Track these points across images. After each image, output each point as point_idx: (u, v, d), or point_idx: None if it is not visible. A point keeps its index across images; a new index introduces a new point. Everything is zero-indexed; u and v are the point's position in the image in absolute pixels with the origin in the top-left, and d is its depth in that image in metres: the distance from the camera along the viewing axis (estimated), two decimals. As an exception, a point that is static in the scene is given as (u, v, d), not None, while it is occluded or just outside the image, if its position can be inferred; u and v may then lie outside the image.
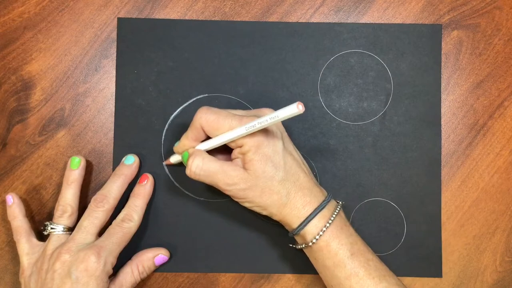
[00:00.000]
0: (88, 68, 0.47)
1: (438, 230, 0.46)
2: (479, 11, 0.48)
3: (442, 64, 0.47)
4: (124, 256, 0.44)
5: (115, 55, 0.47)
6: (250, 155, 0.38)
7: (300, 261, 0.46)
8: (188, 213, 0.46)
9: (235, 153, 0.40)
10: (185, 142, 0.41)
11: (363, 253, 0.39)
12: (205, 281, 0.46)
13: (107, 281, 0.40)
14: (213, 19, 0.47)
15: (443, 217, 0.47)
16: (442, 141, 0.47)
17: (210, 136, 0.40)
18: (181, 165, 0.44)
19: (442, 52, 0.47)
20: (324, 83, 0.47)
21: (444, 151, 0.47)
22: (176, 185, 0.46)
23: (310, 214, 0.39)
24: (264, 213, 0.40)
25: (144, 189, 0.44)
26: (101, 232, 0.42)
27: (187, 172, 0.40)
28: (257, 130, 0.37)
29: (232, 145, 0.39)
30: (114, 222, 0.42)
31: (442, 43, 0.47)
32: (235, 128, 0.38)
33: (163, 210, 0.46)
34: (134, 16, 0.47)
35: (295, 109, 0.35)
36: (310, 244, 0.39)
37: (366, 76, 0.47)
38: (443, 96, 0.47)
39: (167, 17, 0.47)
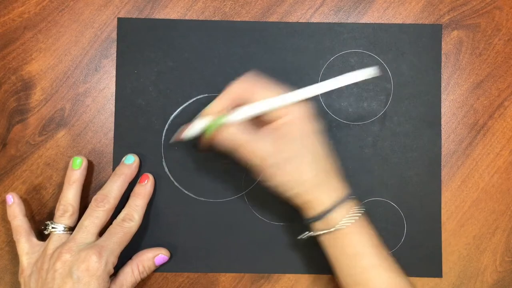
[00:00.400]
0: (88, 68, 0.47)
1: (438, 230, 0.46)
2: (479, 11, 0.48)
3: (442, 64, 0.47)
4: (125, 256, 0.44)
5: (115, 55, 0.47)
6: (287, 128, 0.37)
7: (300, 261, 0.46)
8: (188, 213, 0.46)
9: (269, 127, 0.39)
10: (218, 104, 0.39)
11: (384, 248, 0.39)
12: (205, 281, 0.46)
13: (108, 280, 0.40)
14: (213, 19, 0.47)
15: (443, 217, 0.47)
16: (442, 141, 0.47)
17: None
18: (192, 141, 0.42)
19: (442, 52, 0.47)
20: (324, 83, 0.47)
21: (444, 151, 0.47)
22: (176, 185, 0.46)
23: (342, 199, 0.39)
24: (289, 193, 0.39)
25: (145, 189, 0.44)
26: (102, 232, 0.42)
27: (220, 137, 0.38)
28: (326, 90, 0.37)
29: (270, 117, 0.38)
30: (114, 222, 0.42)
31: (442, 43, 0.47)
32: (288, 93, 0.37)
33: (163, 210, 0.46)
34: (134, 16, 0.47)
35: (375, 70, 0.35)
36: (333, 229, 0.38)
37: (366, 76, 0.47)
38: (443, 96, 0.47)
39: (167, 17, 0.47)
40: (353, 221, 0.38)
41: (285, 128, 0.38)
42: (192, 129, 0.40)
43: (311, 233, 0.41)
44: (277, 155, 0.38)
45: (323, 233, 0.40)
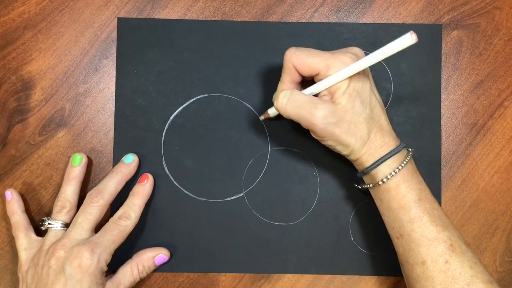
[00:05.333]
0: (88, 68, 0.47)
1: (438, 230, 0.46)
2: (479, 11, 0.48)
3: (442, 64, 0.47)
4: (125, 256, 0.44)
5: (115, 55, 0.47)
6: (343, 89, 0.38)
7: (300, 261, 0.46)
8: (188, 213, 0.46)
9: (328, 90, 0.40)
10: (281, 86, 0.41)
11: (430, 201, 0.39)
12: (205, 281, 0.46)
13: (102, 277, 0.40)
14: (213, 19, 0.47)
15: (443, 217, 0.47)
16: (442, 141, 0.47)
17: (303, 74, 0.40)
18: (279, 118, 0.45)
19: (442, 52, 0.47)
20: (324, 83, 0.47)
21: (444, 151, 0.47)
22: (176, 185, 0.46)
23: (386, 154, 0.39)
24: (345, 152, 0.40)
25: (144, 188, 0.44)
26: (98, 229, 0.42)
27: (275, 104, 0.40)
28: (366, 67, 0.37)
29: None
30: (111, 220, 0.42)
31: (442, 43, 0.47)
32: (349, 65, 0.38)
33: (163, 210, 0.46)
34: (134, 16, 0.47)
35: (408, 39, 0.35)
36: (380, 183, 0.39)
37: (366, 76, 0.47)
38: (443, 96, 0.47)
39: (167, 17, 0.47)
40: (394, 174, 0.39)
41: (340, 90, 0.38)
42: (271, 111, 0.44)
43: (359, 186, 0.43)
44: (331, 115, 0.38)
45: (369, 187, 0.41)
